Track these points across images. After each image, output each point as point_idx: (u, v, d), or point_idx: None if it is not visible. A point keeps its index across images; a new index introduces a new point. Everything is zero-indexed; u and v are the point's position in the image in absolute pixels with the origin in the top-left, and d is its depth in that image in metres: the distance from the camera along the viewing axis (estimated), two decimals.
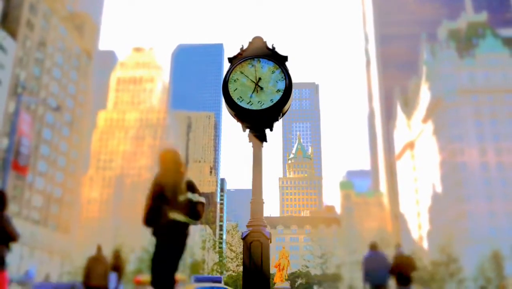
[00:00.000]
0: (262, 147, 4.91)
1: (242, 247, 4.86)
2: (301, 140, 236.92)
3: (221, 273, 51.40)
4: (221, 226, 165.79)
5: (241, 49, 5.15)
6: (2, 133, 64.57)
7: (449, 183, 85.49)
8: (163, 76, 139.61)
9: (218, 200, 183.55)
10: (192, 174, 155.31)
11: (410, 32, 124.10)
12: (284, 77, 4.94)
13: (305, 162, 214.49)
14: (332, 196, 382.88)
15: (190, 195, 4.97)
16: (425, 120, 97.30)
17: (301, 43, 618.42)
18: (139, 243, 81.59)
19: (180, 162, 5.19)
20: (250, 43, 5.18)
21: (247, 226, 4.71)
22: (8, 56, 68.54)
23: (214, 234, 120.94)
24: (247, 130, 4.92)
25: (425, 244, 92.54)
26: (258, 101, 4.90)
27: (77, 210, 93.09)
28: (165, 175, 5.01)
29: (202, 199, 5.06)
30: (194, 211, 4.94)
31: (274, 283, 21.37)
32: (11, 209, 64.65)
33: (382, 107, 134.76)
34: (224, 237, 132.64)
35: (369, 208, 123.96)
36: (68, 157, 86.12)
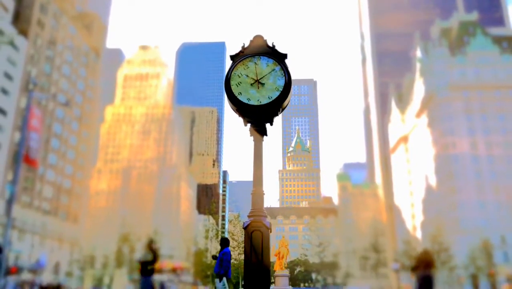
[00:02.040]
0: (263, 140, 4.99)
1: (243, 236, 4.85)
2: (300, 134, 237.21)
3: None
4: (223, 216, 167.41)
5: (243, 47, 5.28)
6: (15, 127, 65.81)
7: (441, 175, 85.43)
8: (168, 73, 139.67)
9: (221, 191, 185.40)
10: (195, 167, 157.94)
11: (404, 31, 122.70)
12: (283, 74, 5.04)
13: (304, 155, 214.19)
14: (329, 187, 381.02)
15: None
16: (418, 115, 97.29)
17: (300, 41, 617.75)
18: (145, 232, 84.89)
19: None
20: (251, 41, 5.30)
21: (248, 216, 4.80)
22: (20, 54, 69.14)
23: (217, 224, 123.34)
24: (248, 124, 5.03)
25: (418, 234, 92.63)
26: (259, 97, 4.99)
27: (86, 200, 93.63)
28: None
29: None
30: None
31: (274, 271, 22.08)
32: (23, 199, 67.29)
33: (377, 103, 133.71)
34: (226, 226, 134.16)
35: (365, 199, 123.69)
36: (77, 150, 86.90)
